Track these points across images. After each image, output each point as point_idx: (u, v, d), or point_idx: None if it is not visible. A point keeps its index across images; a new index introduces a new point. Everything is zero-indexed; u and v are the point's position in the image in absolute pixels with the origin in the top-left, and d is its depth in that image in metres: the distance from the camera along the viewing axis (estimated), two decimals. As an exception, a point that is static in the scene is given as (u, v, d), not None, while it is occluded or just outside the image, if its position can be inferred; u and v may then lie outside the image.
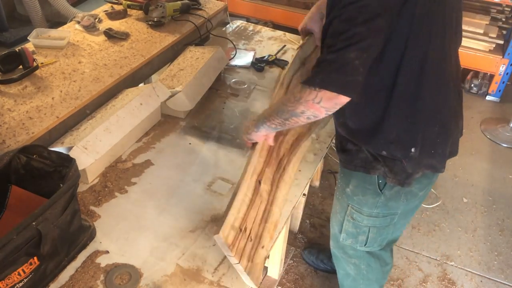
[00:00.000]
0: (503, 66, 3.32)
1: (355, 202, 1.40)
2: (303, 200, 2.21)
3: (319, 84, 1.04)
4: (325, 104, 1.06)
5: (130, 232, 1.31)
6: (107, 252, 1.24)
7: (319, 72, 1.05)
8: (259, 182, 1.30)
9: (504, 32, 3.43)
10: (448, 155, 1.29)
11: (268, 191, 1.33)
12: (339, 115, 1.26)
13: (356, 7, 1.01)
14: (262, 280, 1.88)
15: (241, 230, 1.15)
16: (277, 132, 1.36)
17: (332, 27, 1.06)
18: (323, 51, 1.12)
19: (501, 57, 3.30)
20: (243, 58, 2.18)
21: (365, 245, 1.49)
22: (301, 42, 1.60)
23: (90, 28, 2.04)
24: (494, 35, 3.32)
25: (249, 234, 1.18)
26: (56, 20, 3.76)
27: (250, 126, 1.29)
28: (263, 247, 1.21)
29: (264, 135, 1.30)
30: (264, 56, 2.19)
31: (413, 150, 1.22)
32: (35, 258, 1.06)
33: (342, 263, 1.67)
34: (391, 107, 1.18)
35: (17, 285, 1.04)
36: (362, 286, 1.68)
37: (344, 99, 1.05)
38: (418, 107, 1.18)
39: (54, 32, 1.98)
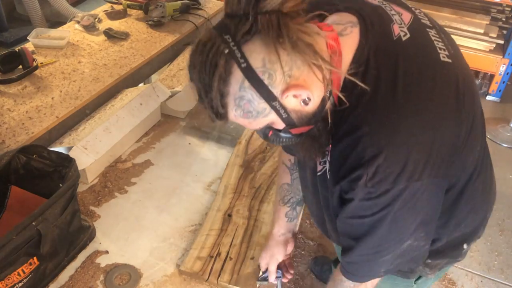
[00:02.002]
0: (503, 66, 3.32)
1: None
2: (303, 200, 2.21)
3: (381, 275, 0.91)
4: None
5: (130, 232, 1.31)
6: (107, 252, 1.24)
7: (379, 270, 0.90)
8: (228, 215, 1.36)
9: (504, 32, 3.42)
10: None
11: (247, 216, 1.36)
12: None
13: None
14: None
15: (211, 257, 1.23)
16: (246, 171, 1.45)
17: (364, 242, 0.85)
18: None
19: (501, 57, 3.30)
20: (243, 58, 2.18)
21: None
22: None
23: (90, 28, 2.03)
24: (495, 35, 3.32)
25: (227, 255, 1.24)
26: (56, 20, 3.75)
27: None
28: (252, 258, 1.23)
29: None
30: None
31: (465, 246, 1.07)
32: (34, 258, 1.06)
33: None
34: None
35: (17, 285, 1.04)
36: None
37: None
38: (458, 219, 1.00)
39: (54, 32, 1.98)
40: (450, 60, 0.82)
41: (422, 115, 0.75)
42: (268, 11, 0.67)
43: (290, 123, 0.75)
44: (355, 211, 0.81)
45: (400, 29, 0.81)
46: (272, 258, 1.18)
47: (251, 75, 0.69)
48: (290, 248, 1.23)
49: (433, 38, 0.84)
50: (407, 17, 0.85)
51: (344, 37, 0.77)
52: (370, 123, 0.74)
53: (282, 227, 1.17)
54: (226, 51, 0.68)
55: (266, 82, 0.69)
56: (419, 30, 0.84)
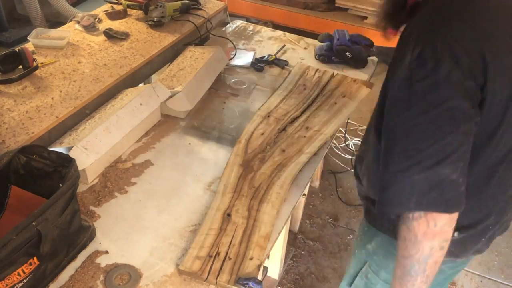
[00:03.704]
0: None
1: (374, 261, 1.23)
2: (303, 200, 2.21)
3: (416, 207, 0.88)
4: (443, 225, 0.89)
5: (130, 232, 1.31)
6: (107, 252, 1.24)
7: (410, 194, 0.88)
8: (227, 215, 1.35)
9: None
10: (479, 248, 1.15)
11: (246, 216, 1.36)
12: None
13: (441, 112, 0.85)
14: (262, 280, 1.88)
15: (211, 256, 1.22)
16: (246, 170, 1.45)
17: (405, 131, 0.88)
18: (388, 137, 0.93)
19: (501, 57, 3.30)
20: (243, 58, 2.18)
21: None
22: None
23: (90, 28, 2.03)
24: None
25: (226, 255, 1.24)
26: (56, 20, 3.75)
27: None
28: (251, 258, 1.23)
29: None
30: (264, 56, 2.19)
31: (456, 234, 1.06)
32: (35, 258, 1.06)
33: None
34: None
35: (17, 285, 1.04)
36: None
37: (453, 216, 0.89)
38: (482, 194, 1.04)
39: (54, 32, 1.98)
40: None
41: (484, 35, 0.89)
42: None
43: None
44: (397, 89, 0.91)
45: None
46: None
47: None
48: None
49: None
50: None
51: None
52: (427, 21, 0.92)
53: None
54: None
55: None
56: None
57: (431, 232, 0.88)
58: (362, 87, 1.98)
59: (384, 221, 1.15)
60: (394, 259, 1.05)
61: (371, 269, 1.25)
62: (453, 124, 0.86)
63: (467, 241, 1.09)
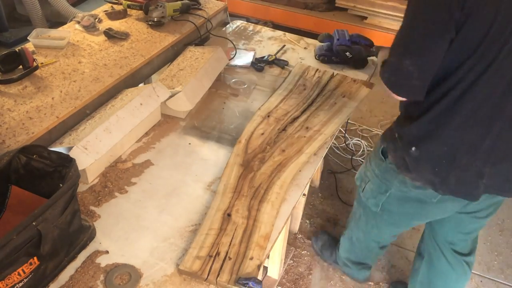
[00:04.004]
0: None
1: (373, 153, 1.61)
2: (303, 200, 2.21)
3: (384, 80, 1.28)
4: (394, 98, 1.30)
5: (130, 232, 1.31)
6: (107, 252, 1.24)
7: (385, 71, 1.28)
8: (227, 215, 1.35)
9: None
10: (454, 188, 1.35)
11: (246, 216, 1.36)
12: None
13: (422, 19, 1.18)
14: (262, 280, 1.88)
15: (211, 256, 1.23)
16: (246, 170, 1.50)
17: (400, 27, 1.23)
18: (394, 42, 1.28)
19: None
20: (243, 58, 2.18)
21: (362, 191, 1.66)
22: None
23: (90, 28, 2.04)
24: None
25: (226, 255, 1.24)
26: (56, 20, 3.75)
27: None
28: (251, 258, 1.23)
29: None
30: (264, 56, 2.19)
31: (413, 149, 1.34)
32: (35, 258, 1.06)
33: (352, 210, 1.88)
34: (422, 117, 1.31)
35: (17, 285, 1.04)
36: (352, 223, 1.87)
37: (398, 97, 1.29)
38: (440, 127, 1.29)
39: (54, 32, 1.98)
40: None
41: None
42: None
43: None
44: None
45: None
46: None
47: None
48: None
49: None
50: None
51: None
52: None
53: None
54: None
55: None
56: None
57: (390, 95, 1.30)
58: (362, 87, 1.98)
59: (387, 131, 1.50)
60: (378, 156, 1.52)
61: (370, 158, 1.63)
62: (427, 30, 1.17)
63: (423, 160, 1.34)
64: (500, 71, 1.19)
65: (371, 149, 1.72)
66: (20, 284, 1.05)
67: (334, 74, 2.06)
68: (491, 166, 1.32)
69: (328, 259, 2.19)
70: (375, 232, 1.77)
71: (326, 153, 1.68)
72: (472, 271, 2.22)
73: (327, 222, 2.43)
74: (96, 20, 2.09)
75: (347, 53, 2.13)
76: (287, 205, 1.41)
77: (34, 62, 1.70)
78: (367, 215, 1.73)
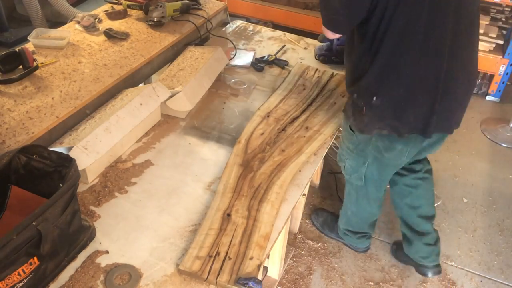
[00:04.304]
0: (503, 66, 3.32)
1: (343, 134, 1.73)
2: (303, 200, 2.21)
3: (323, 21, 1.46)
4: (329, 34, 1.48)
5: (130, 232, 1.31)
6: (107, 252, 1.24)
7: (322, 14, 1.46)
8: (227, 215, 1.35)
9: (504, 32, 3.43)
10: (413, 125, 1.49)
11: (246, 216, 1.36)
12: (347, 58, 1.58)
13: None
14: (262, 280, 1.88)
15: (211, 256, 1.23)
16: (246, 170, 1.52)
17: None
18: None
19: (501, 57, 3.30)
20: (243, 58, 2.18)
21: (343, 170, 1.81)
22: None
23: (90, 28, 2.04)
24: (494, 35, 3.32)
25: (226, 255, 1.24)
26: (56, 20, 3.75)
27: None
28: (251, 258, 1.23)
29: None
30: (264, 56, 2.19)
31: (374, 98, 1.46)
32: (35, 258, 1.06)
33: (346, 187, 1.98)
34: (374, 63, 1.42)
35: (17, 285, 1.04)
36: (347, 197, 1.99)
37: (329, 33, 1.47)
38: (394, 69, 1.41)
39: (54, 32, 1.98)
40: None
41: None
42: None
43: None
44: None
45: None
46: None
47: None
48: None
49: None
50: None
51: None
52: None
53: None
54: None
55: None
56: None
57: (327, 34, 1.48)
58: (362, 87, 1.98)
59: (347, 105, 1.63)
60: (348, 131, 1.65)
61: (342, 137, 1.74)
62: None
63: (384, 107, 1.47)
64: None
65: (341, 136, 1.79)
66: (20, 284, 1.05)
67: (334, 74, 2.06)
68: (439, 102, 1.46)
69: (329, 234, 2.30)
70: (365, 203, 1.91)
71: (326, 153, 1.68)
72: (472, 271, 2.22)
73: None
74: (96, 20, 2.09)
75: (347, 53, 2.13)
76: (287, 205, 1.41)
77: (34, 62, 1.70)
78: (355, 190, 1.88)
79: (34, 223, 1.01)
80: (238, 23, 2.56)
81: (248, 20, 3.87)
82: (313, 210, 2.42)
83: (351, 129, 1.64)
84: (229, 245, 1.26)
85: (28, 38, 1.88)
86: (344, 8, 1.37)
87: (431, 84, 1.44)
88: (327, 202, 2.53)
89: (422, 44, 1.38)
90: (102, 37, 1.99)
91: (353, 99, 1.55)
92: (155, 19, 2.10)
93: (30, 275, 1.06)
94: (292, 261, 2.20)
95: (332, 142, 1.71)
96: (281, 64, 2.15)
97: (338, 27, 1.45)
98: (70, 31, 1.99)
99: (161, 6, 2.11)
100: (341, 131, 1.74)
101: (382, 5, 1.33)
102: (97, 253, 1.24)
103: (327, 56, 2.18)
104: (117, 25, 2.10)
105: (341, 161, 1.81)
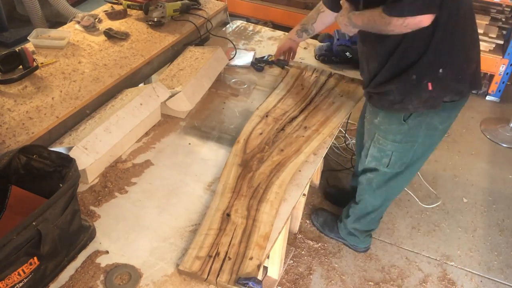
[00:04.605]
0: (503, 66, 3.32)
1: (382, 131, 1.71)
2: (303, 200, 2.21)
3: (408, 13, 1.37)
4: (411, 26, 1.40)
5: (130, 232, 1.31)
6: (107, 252, 1.24)
7: (405, 4, 1.37)
8: (227, 215, 1.35)
9: (504, 32, 3.43)
10: (471, 82, 1.58)
11: (245, 216, 1.36)
12: (384, 53, 1.57)
13: None
14: (262, 280, 1.88)
15: (210, 256, 1.23)
16: (245, 170, 1.51)
17: None
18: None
19: (501, 57, 3.30)
20: (243, 58, 2.18)
21: (387, 166, 1.79)
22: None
23: (90, 28, 2.04)
24: (494, 35, 3.32)
25: (226, 255, 1.24)
26: (56, 20, 3.76)
27: (344, 19, 1.62)
28: (251, 258, 1.23)
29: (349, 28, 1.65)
30: (264, 56, 2.19)
31: (441, 70, 1.50)
32: (35, 258, 1.06)
33: (363, 186, 1.97)
34: (432, 39, 1.46)
35: (17, 285, 1.04)
36: (367, 195, 1.98)
37: (426, 20, 1.39)
38: (451, 37, 1.48)
39: (54, 32, 1.98)
40: None
41: None
42: None
43: None
44: None
45: None
46: (283, 43, 2.07)
47: None
48: (295, 48, 2.13)
49: None
50: None
51: None
52: None
53: (293, 34, 2.04)
54: None
55: None
56: None
57: (399, 27, 1.41)
58: (360, 86, 1.98)
59: (384, 102, 1.63)
60: (396, 124, 1.65)
61: (380, 136, 1.73)
62: None
63: (448, 78, 1.53)
64: None
65: (374, 137, 1.77)
66: (20, 284, 1.05)
67: (332, 74, 2.06)
68: (479, 53, 1.61)
69: (329, 234, 2.31)
70: (396, 191, 1.96)
71: (326, 152, 1.68)
72: (472, 271, 2.22)
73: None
74: (96, 20, 2.09)
75: (347, 53, 2.13)
76: (287, 205, 1.41)
77: (34, 62, 1.71)
78: (387, 179, 1.86)
79: (34, 223, 1.01)
80: (238, 23, 2.57)
81: (248, 20, 3.87)
82: (313, 210, 2.43)
83: (403, 120, 1.64)
84: (229, 245, 1.26)
85: (28, 38, 1.88)
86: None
87: (475, 40, 1.58)
88: (327, 202, 2.53)
89: (469, 8, 1.52)
90: (102, 37, 1.99)
91: (410, 83, 1.54)
92: (155, 19, 2.10)
93: (30, 275, 1.06)
94: (292, 261, 2.20)
95: (332, 142, 1.71)
96: (281, 64, 2.15)
97: (436, 6, 1.40)
98: (70, 31, 1.99)
99: (161, 6, 2.11)
100: (377, 132, 1.73)
101: None
102: (97, 253, 1.24)
103: (327, 56, 2.18)
104: (117, 25, 2.10)
105: (383, 159, 1.78)
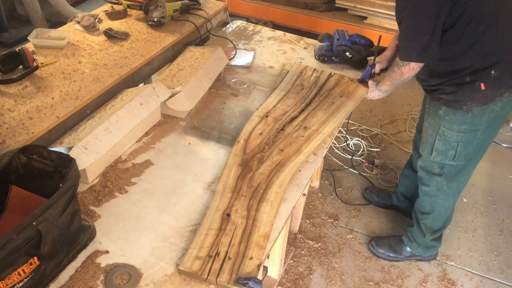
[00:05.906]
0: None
1: (446, 121, 1.77)
2: (303, 200, 2.21)
3: (415, 59, 1.63)
4: (417, 69, 1.66)
5: (130, 232, 1.31)
6: (107, 252, 1.24)
7: (411, 51, 1.62)
8: (227, 215, 1.35)
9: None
10: None
11: (245, 216, 1.36)
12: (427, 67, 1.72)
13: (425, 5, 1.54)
14: (262, 280, 1.89)
15: (210, 256, 1.23)
16: (245, 170, 1.52)
17: (409, 17, 1.59)
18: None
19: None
20: (243, 58, 2.18)
21: (453, 159, 1.83)
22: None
23: (90, 28, 2.04)
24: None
25: (226, 255, 1.24)
26: (56, 20, 3.76)
27: (374, 90, 1.91)
28: (251, 258, 1.23)
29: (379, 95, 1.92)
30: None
31: (492, 72, 1.60)
32: (35, 258, 1.06)
33: (426, 182, 2.00)
34: (476, 42, 1.58)
35: (17, 285, 1.04)
36: (440, 201, 2.00)
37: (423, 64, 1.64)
38: (495, 37, 1.58)
39: (54, 32, 1.98)
40: None
41: None
42: None
43: None
44: None
45: None
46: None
47: None
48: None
49: None
50: None
51: None
52: None
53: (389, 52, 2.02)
54: None
55: None
56: None
57: (410, 72, 1.69)
58: (360, 86, 1.98)
59: (441, 100, 1.75)
60: (460, 113, 1.71)
61: (446, 128, 1.79)
62: (433, 11, 1.52)
63: (501, 77, 1.61)
64: None
65: (439, 130, 1.83)
66: (20, 284, 1.05)
67: (332, 74, 2.06)
68: None
69: (400, 257, 2.23)
70: (462, 186, 1.99)
71: (326, 153, 1.68)
72: (472, 271, 2.22)
73: (327, 222, 2.43)
74: (96, 20, 2.09)
75: (347, 53, 2.13)
76: (287, 205, 1.41)
77: (34, 62, 1.71)
78: (455, 175, 1.91)
79: (34, 223, 1.01)
80: (238, 23, 2.57)
81: (248, 20, 3.87)
82: (369, 242, 2.31)
83: (467, 112, 1.70)
84: (229, 245, 1.26)
85: (28, 38, 1.88)
86: (435, 39, 1.56)
87: None
88: (327, 202, 2.53)
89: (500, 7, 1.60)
90: (102, 37, 1.99)
91: (463, 84, 1.65)
92: (155, 19, 2.10)
93: (30, 275, 1.06)
94: (292, 261, 2.20)
95: (332, 142, 1.71)
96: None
97: (434, 58, 1.63)
98: (70, 31, 1.99)
99: (161, 6, 2.11)
100: (442, 124, 1.79)
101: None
102: (97, 253, 1.24)
103: (327, 56, 2.18)
104: (117, 25, 2.10)
105: (449, 151, 1.82)
